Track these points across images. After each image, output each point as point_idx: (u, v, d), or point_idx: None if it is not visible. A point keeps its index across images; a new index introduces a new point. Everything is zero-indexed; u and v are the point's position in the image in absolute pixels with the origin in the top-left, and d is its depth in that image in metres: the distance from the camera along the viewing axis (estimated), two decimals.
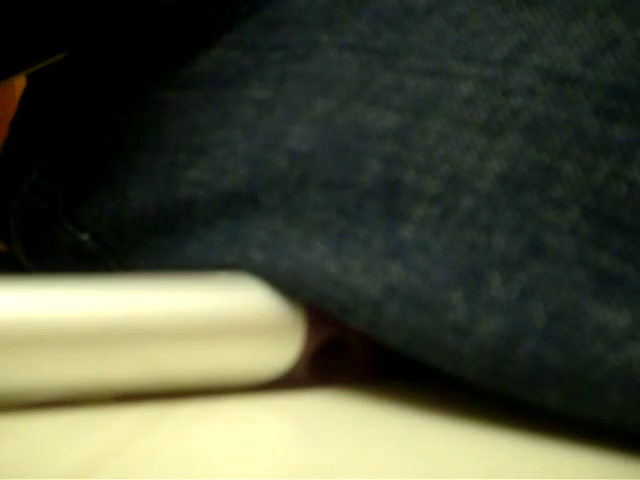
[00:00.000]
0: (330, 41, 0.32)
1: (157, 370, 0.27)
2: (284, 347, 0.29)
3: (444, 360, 0.27)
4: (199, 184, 0.33)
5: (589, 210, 0.26)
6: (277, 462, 0.23)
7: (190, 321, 0.28)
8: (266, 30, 0.34)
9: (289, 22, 0.33)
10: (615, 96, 0.26)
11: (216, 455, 0.23)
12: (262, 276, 0.30)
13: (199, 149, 0.34)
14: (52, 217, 0.39)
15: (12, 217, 0.41)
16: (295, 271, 0.30)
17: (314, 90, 0.31)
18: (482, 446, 0.25)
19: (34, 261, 0.41)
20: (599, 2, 0.27)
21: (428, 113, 0.29)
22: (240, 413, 0.28)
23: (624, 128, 0.26)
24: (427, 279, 0.27)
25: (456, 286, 0.27)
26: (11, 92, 0.45)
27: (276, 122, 0.32)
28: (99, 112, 0.38)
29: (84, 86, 0.39)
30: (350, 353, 0.31)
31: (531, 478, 0.23)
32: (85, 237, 0.37)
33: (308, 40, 0.32)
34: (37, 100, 0.42)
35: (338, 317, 0.29)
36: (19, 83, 0.43)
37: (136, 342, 0.27)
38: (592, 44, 0.27)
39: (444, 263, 0.27)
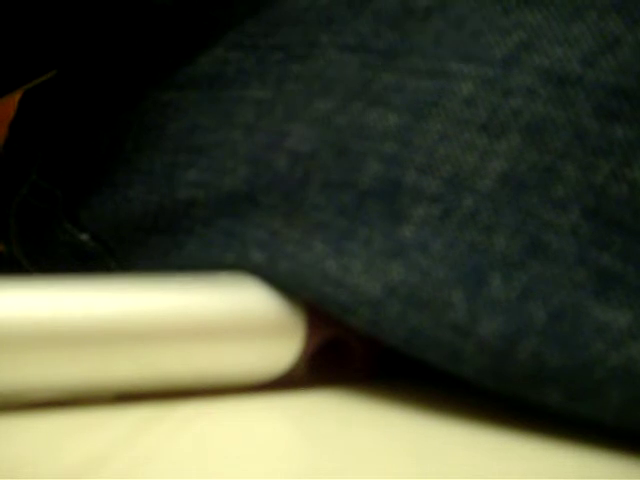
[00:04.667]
0: (330, 41, 0.32)
1: (157, 370, 0.27)
2: (284, 347, 0.29)
3: (444, 359, 0.27)
4: (199, 184, 0.33)
5: (589, 210, 0.26)
6: (277, 462, 0.23)
7: (190, 321, 0.27)
8: (266, 30, 0.34)
9: (289, 22, 0.33)
10: (615, 96, 0.26)
11: (216, 455, 0.23)
12: (262, 276, 0.30)
13: (199, 149, 0.34)
14: (52, 217, 0.39)
15: (12, 217, 0.41)
16: (295, 271, 0.30)
17: (314, 90, 0.31)
18: (482, 446, 0.25)
19: (34, 261, 0.41)
20: (599, 2, 0.27)
21: (428, 113, 0.29)
22: (240, 413, 0.27)
23: (624, 128, 0.26)
24: (427, 278, 0.27)
25: (456, 285, 0.27)
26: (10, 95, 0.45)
27: (276, 122, 0.32)
28: (99, 113, 0.38)
29: (84, 87, 0.39)
30: (350, 353, 0.31)
31: (531, 478, 0.23)
32: (85, 237, 0.37)
33: (308, 40, 0.32)
34: (36, 100, 0.42)
35: (338, 317, 0.29)
36: None
37: (136, 342, 0.27)
38: (592, 44, 0.27)
39: (444, 263, 0.27)
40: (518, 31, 0.28)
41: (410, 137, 0.29)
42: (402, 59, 0.30)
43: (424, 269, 0.27)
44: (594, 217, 0.26)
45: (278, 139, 0.31)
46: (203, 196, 0.33)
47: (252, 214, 0.32)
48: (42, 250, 0.40)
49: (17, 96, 0.43)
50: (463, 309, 0.26)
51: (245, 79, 0.33)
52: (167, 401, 0.28)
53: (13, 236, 0.41)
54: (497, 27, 0.29)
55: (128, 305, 0.27)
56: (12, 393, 0.26)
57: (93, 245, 0.37)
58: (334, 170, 0.30)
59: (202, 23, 0.36)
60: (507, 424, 0.27)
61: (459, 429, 0.27)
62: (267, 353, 0.29)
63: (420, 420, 0.27)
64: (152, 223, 0.35)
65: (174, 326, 0.27)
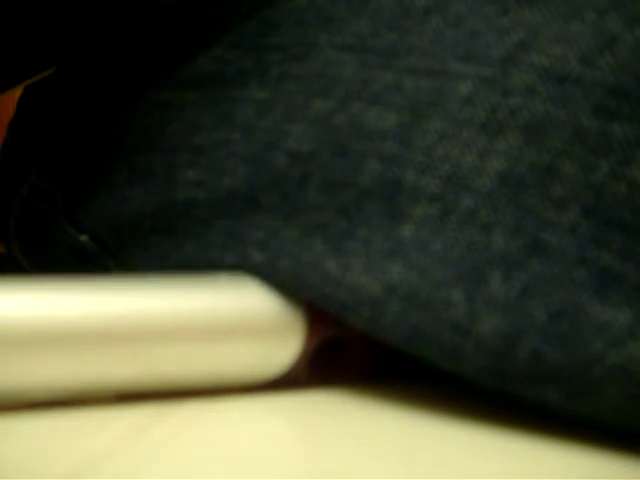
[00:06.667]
0: (329, 41, 0.32)
1: (157, 370, 0.27)
2: (284, 347, 0.29)
3: (444, 358, 0.27)
4: (198, 184, 0.33)
5: (589, 209, 0.26)
6: (277, 462, 0.23)
7: (190, 321, 0.28)
8: (265, 31, 0.34)
9: (288, 23, 0.33)
10: (614, 95, 0.26)
11: (216, 455, 0.23)
12: (261, 276, 0.30)
13: (198, 149, 0.34)
14: (52, 218, 0.39)
15: (12, 218, 0.41)
16: (295, 271, 0.30)
17: (313, 90, 0.31)
18: (482, 446, 0.25)
19: (34, 262, 0.41)
20: (598, 1, 0.27)
21: (427, 113, 0.29)
22: (240, 413, 0.28)
23: (623, 127, 0.26)
24: (427, 278, 0.27)
25: (456, 284, 0.27)
26: (10, 93, 0.45)
27: (275, 122, 0.32)
28: (98, 113, 0.38)
29: (83, 87, 0.39)
30: (349, 353, 0.31)
31: (531, 478, 0.23)
32: (84, 238, 0.37)
33: (307, 40, 0.32)
34: (35, 101, 0.42)
35: (338, 316, 0.29)
36: None
37: (136, 342, 0.27)
38: (591, 43, 0.27)
39: (444, 262, 0.27)
40: (517, 30, 0.28)
41: (409, 137, 0.29)
42: (401, 59, 0.30)
43: (424, 268, 0.27)
44: (593, 216, 0.26)
45: (277, 139, 0.32)
46: (202, 196, 0.33)
47: (252, 214, 0.32)
48: (42, 251, 0.40)
49: (16, 97, 0.43)
50: (463, 308, 0.26)
51: (244, 79, 0.33)
52: (167, 401, 0.28)
53: (13, 237, 0.41)
54: (496, 26, 0.29)
55: (128, 305, 0.27)
56: (12, 393, 0.26)
57: (93, 246, 0.37)
58: (333, 170, 0.30)
59: (201, 23, 0.36)
60: (507, 424, 0.27)
61: (459, 429, 0.27)
62: (267, 353, 0.29)
63: (420, 420, 0.27)
64: (151, 224, 0.35)
65: (174, 326, 0.27)
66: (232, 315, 0.28)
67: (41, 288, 0.26)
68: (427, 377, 0.30)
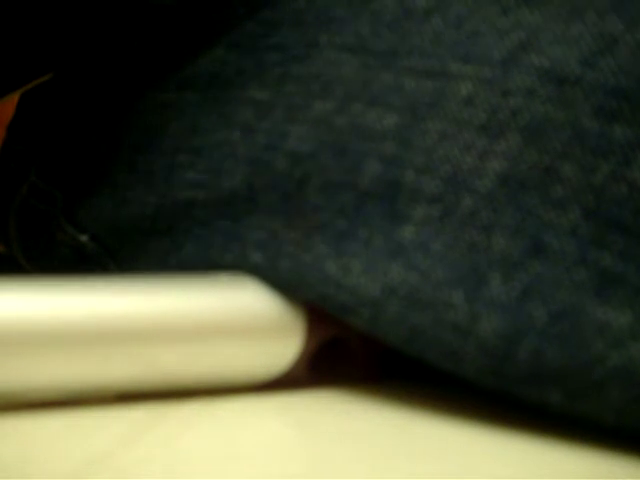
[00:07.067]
0: (329, 42, 0.32)
1: (157, 370, 0.27)
2: (284, 347, 0.29)
3: (445, 359, 0.27)
4: (198, 185, 0.33)
5: (589, 210, 0.26)
6: (276, 462, 0.23)
7: (190, 321, 0.28)
8: (265, 31, 0.34)
9: (288, 23, 0.33)
10: (614, 97, 0.26)
11: (216, 455, 0.23)
12: (261, 276, 0.30)
13: (198, 150, 0.34)
14: (51, 218, 0.39)
15: (11, 218, 0.41)
16: (295, 271, 0.30)
17: (313, 91, 0.31)
18: (482, 446, 0.25)
19: (33, 262, 0.41)
20: (598, 3, 0.27)
21: (427, 113, 0.29)
22: (240, 413, 0.28)
23: (624, 129, 0.26)
24: (427, 279, 0.27)
25: (456, 285, 0.27)
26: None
27: (275, 123, 0.32)
28: (98, 113, 0.38)
29: (83, 87, 0.39)
30: (350, 353, 0.31)
31: (531, 478, 0.23)
32: (84, 238, 0.37)
33: (307, 41, 0.32)
34: (35, 101, 0.42)
35: (338, 317, 0.29)
36: None
37: (136, 342, 0.27)
38: (591, 45, 0.27)
39: (444, 263, 0.27)
40: (517, 31, 0.28)
41: (409, 137, 0.29)
42: (401, 59, 0.30)
43: (424, 269, 0.27)
44: (594, 217, 0.26)
45: (277, 140, 0.32)
46: (202, 197, 0.33)
47: (251, 215, 0.32)
48: (42, 250, 0.40)
49: (16, 97, 0.43)
50: (463, 309, 0.26)
51: (244, 80, 0.33)
52: (167, 401, 0.28)
53: (13, 236, 0.41)
54: (496, 27, 0.29)
55: (128, 305, 0.27)
56: (12, 393, 0.26)
57: (92, 246, 0.37)
58: (334, 171, 0.30)
59: (201, 24, 0.36)
60: (507, 424, 0.27)
61: (459, 429, 0.27)
62: (267, 353, 0.29)
63: (420, 420, 0.27)
64: (151, 224, 0.35)
65: (174, 326, 0.27)
66: (232, 315, 0.28)
67: (41, 288, 0.26)
68: (427, 377, 0.30)
